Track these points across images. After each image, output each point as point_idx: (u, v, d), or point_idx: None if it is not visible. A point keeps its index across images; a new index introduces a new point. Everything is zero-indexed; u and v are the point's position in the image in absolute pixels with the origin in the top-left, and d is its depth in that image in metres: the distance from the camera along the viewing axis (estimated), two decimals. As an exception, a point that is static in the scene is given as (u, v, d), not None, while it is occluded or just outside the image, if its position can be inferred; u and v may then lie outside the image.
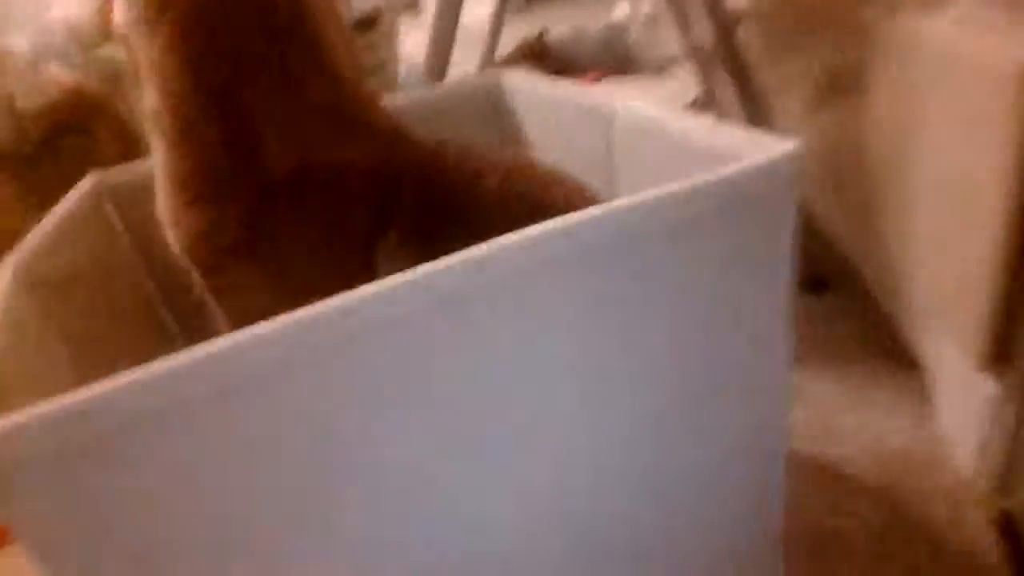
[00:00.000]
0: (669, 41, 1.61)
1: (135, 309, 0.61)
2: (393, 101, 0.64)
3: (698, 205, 0.33)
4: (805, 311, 0.81)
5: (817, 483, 0.60)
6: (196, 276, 0.48)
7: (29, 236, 0.49)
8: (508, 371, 0.33)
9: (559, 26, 1.87)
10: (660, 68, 1.73)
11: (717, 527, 0.43)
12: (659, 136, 0.46)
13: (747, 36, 1.13)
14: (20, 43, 1.41)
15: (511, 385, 0.34)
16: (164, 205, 0.46)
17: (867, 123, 0.66)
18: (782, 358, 0.40)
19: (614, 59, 1.76)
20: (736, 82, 0.76)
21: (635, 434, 0.38)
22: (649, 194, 0.33)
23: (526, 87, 0.62)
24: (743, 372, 0.39)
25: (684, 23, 0.84)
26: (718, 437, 0.40)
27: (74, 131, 1.24)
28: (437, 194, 0.44)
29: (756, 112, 0.79)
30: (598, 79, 1.77)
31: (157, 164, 0.45)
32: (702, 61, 0.84)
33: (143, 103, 0.45)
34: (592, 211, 0.32)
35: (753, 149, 0.36)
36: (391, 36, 1.53)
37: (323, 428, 0.31)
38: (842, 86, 0.71)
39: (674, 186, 0.33)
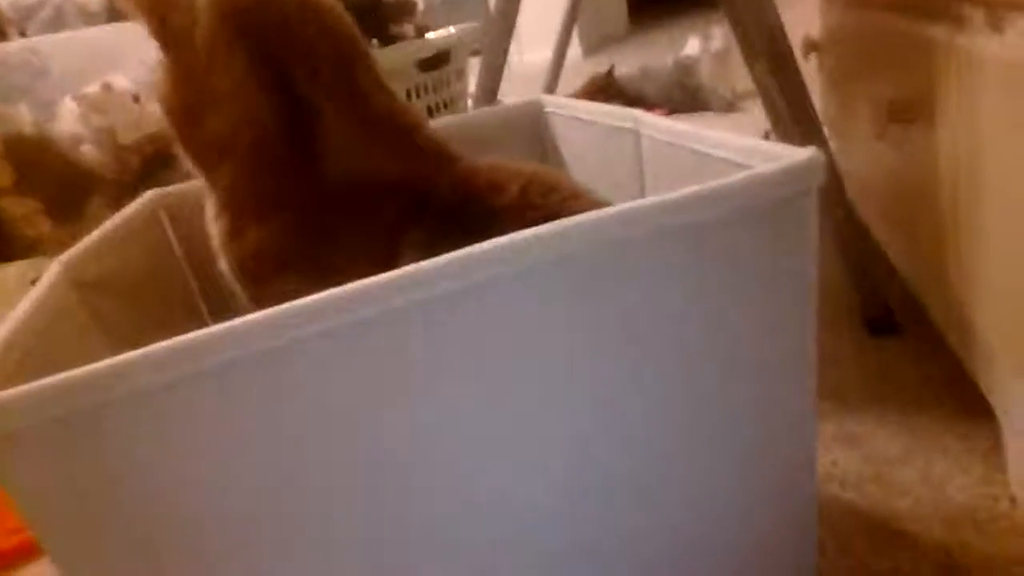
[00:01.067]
0: (739, 76, 1.58)
1: (180, 312, 0.64)
2: (447, 123, 0.67)
3: (701, 213, 0.32)
4: (871, 354, 0.75)
5: (871, 539, 0.54)
6: (241, 292, 0.49)
7: (85, 239, 0.53)
8: (500, 380, 0.32)
9: (628, 63, 1.88)
10: (730, 103, 1.70)
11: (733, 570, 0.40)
12: (684, 149, 0.45)
13: (818, 66, 1.10)
14: (122, 81, 1.53)
15: (503, 396, 0.33)
16: (222, 230, 0.48)
17: (932, 149, 0.62)
18: (803, 383, 0.37)
19: (683, 95, 1.75)
20: (792, 112, 0.73)
21: (640, 455, 0.35)
22: (645, 202, 0.31)
23: (562, 109, 0.62)
24: (758, 394, 0.36)
25: (749, 57, 0.83)
26: (733, 467, 0.37)
27: (170, 162, 1.34)
28: (462, 203, 0.45)
29: (813, 142, 0.75)
30: (665, 116, 1.76)
31: (217, 191, 0.47)
32: (764, 93, 0.82)
33: (202, 133, 0.48)
34: (581, 217, 0.31)
35: (775, 160, 0.34)
36: (461, 73, 1.58)
37: (314, 420, 0.31)
38: (908, 113, 0.67)
39: (674, 194, 0.31)
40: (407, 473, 0.33)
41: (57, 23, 1.79)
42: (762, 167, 0.32)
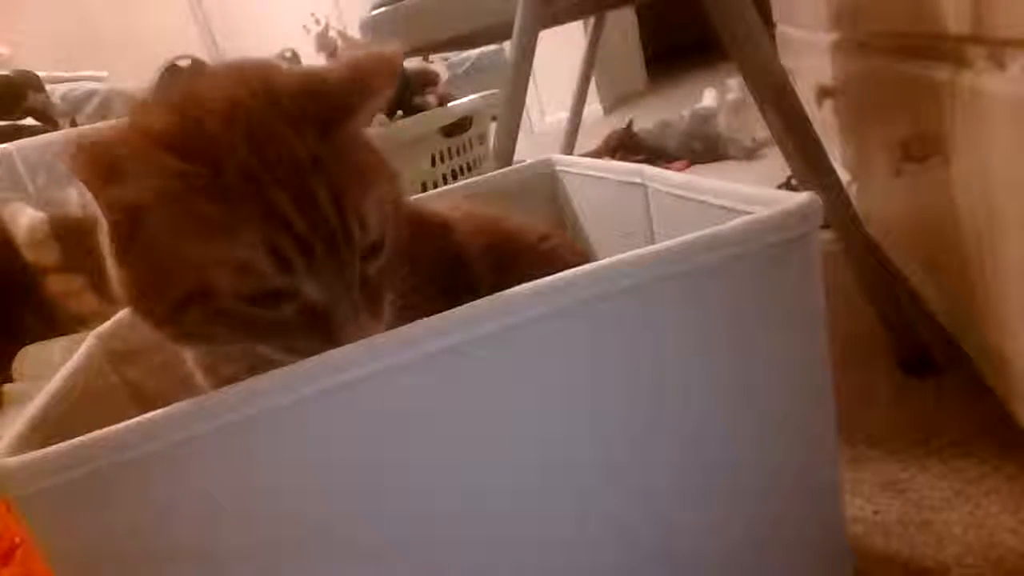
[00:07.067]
0: (757, 124, 1.60)
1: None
2: (467, 184, 0.71)
3: (699, 259, 0.32)
4: (909, 396, 0.73)
5: (917, 592, 0.52)
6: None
7: (120, 312, 0.56)
8: (512, 427, 0.33)
9: (647, 118, 1.91)
10: (750, 151, 1.71)
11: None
12: (690, 200, 0.46)
13: (833, 112, 1.11)
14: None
15: (515, 442, 0.33)
16: None
17: (948, 185, 0.62)
18: (822, 423, 0.36)
19: (702, 146, 1.77)
20: (802, 156, 0.74)
21: (650, 503, 0.35)
22: (643, 250, 0.32)
23: (572, 167, 0.64)
24: (773, 436, 0.35)
25: (760, 105, 0.85)
26: (748, 514, 0.36)
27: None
28: (500, 252, 0.48)
29: (826, 186, 0.76)
30: (686, 167, 1.78)
31: None
32: (779, 140, 0.83)
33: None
34: (582, 268, 0.32)
35: (773, 205, 0.34)
36: (483, 137, 1.64)
37: (321, 477, 0.32)
38: (921, 151, 0.67)
39: (671, 242, 0.32)
40: (430, 525, 0.33)
41: (104, 111, 1.91)
42: (758, 213, 0.33)
